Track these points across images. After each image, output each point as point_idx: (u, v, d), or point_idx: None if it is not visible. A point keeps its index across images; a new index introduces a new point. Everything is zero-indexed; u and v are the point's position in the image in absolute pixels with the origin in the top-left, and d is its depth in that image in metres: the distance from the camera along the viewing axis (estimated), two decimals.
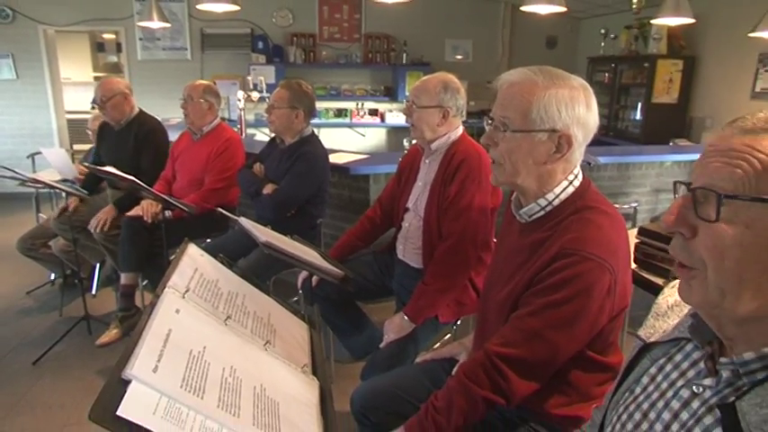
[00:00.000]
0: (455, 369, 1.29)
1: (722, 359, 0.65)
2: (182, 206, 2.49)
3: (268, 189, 2.56)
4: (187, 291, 0.99)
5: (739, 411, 0.59)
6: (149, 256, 2.85)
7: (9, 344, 2.91)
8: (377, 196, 2.34)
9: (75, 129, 6.41)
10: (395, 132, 6.75)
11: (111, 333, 2.88)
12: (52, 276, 3.59)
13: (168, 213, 2.68)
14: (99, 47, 8.13)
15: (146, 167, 3.04)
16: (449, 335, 2.22)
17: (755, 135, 0.60)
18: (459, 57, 6.80)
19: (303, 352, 1.13)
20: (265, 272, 2.46)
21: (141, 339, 0.79)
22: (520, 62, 1.22)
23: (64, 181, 3.40)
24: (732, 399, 0.62)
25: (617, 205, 2.60)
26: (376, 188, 3.17)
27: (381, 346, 1.91)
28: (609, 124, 5.85)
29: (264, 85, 4.46)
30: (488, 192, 1.90)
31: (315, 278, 2.11)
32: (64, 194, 3.06)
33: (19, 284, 3.62)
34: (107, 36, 7.82)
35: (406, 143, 3.36)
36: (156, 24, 4.30)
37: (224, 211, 2.07)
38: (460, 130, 2.02)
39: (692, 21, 3.75)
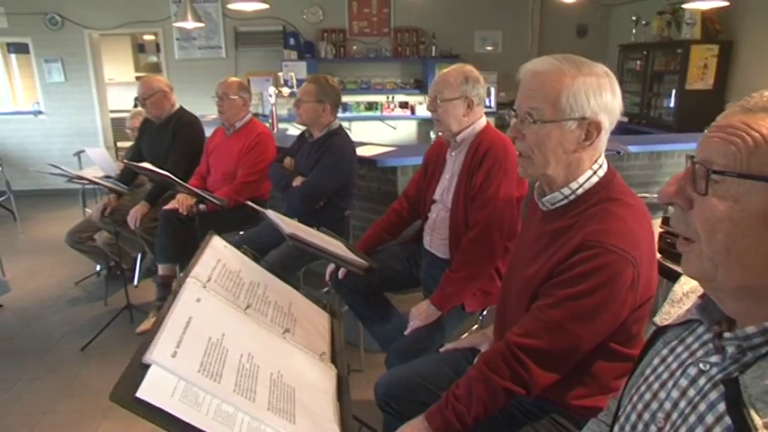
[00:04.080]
0: (476, 359, 1.29)
1: (726, 334, 0.67)
2: (214, 200, 2.57)
3: (297, 182, 2.61)
4: (209, 281, 1.02)
5: (742, 384, 0.60)
6: (185, 248, 2.95)
7: (60, 331, 3.10)
8: (404, 188, 2.35)
9: (119, 127, 6.67)
10: (425, 124, 6.72)
11: (150, 321, 3.01)
12: (98, 268, 3.78)
13: (202, 206, 2.77)
14: (140, 48, 8.43)
15: (175, 160, 3.12)
16: (476, 325, 2.21)
17: (755, 114, 0.63)
18: (488, 48, 6.69)
19: (322, 340, 1.16)
20: (295, 262, 2.51)
21: (162, 326, 0.83)
22: (550, 51, 1.20)
23: (106, 177, 3.56)
24: (736, 374, 0.62)
25: (647, 194, 2.54)
26: (404, 180, 3.18)
27: (406, 332, 1.92)
28: (641, 112, 5.61)
29: (295, 81, 4.52)
30: (514, 181, 1.90)
31: (342, 270, 2.14)
32: (106, 190, 3.20)
33: (68, 275, 3.84)
34: (147, 37, 8.09)
35: (432, 135, 3.36)
36: (190, 24, 4.41)
37: (253, 205, 2.12)
38: (484, 120, 2.01)
39: (726, 3, 3.57)
